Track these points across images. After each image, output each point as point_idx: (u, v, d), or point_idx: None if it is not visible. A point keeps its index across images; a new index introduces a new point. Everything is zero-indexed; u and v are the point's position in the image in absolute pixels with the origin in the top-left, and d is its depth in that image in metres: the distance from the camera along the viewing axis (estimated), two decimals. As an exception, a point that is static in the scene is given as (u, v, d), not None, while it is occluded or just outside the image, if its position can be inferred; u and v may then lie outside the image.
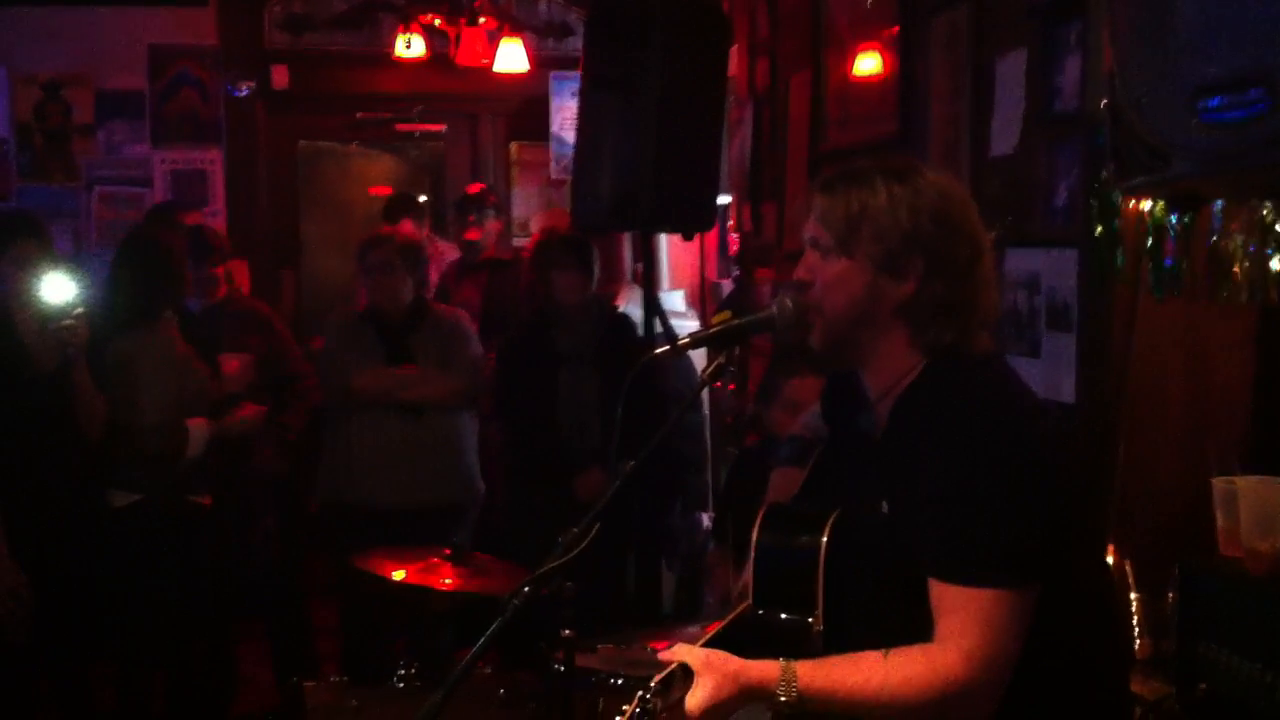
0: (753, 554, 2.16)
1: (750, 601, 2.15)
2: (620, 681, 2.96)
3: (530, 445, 4.94)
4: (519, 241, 7.16)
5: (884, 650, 1.91)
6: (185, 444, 4.54)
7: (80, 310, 4.18)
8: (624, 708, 1.85)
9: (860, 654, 1.92)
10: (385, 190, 8.04)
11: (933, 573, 1.92)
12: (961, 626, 1.88)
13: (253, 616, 5.37)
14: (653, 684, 1.86)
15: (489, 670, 3.54)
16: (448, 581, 3.52)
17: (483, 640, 1.93)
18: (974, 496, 1.89)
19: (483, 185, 6.83)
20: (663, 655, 1.94)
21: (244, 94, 7.28)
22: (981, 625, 1.87)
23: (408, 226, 6.49)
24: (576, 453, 4.78)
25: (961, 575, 1.89)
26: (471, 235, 6.49)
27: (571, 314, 4.91)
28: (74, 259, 5.86)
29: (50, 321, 4.15)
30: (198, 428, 4.59)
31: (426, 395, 4.88)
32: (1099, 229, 2.90)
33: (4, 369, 4.18)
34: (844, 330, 2.07)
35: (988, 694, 1.89)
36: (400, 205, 6.87)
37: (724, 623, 2.17)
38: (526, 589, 1.97)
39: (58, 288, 4.15)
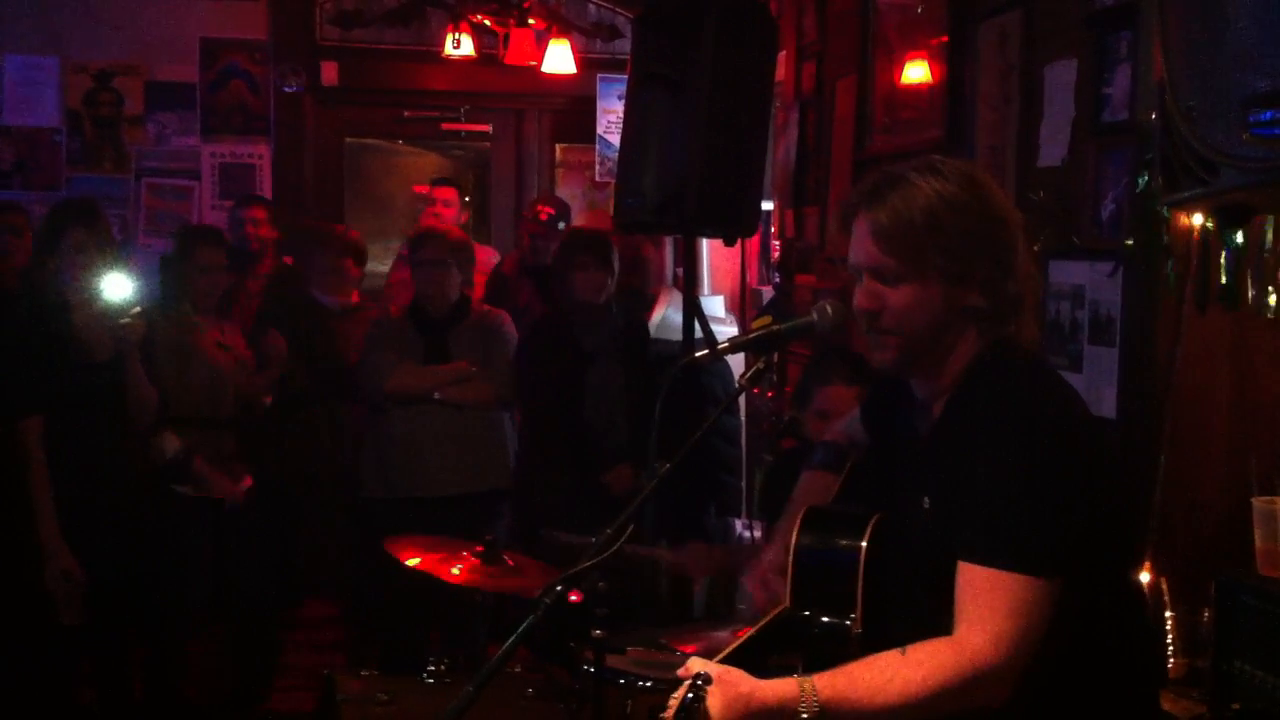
0: (791, 556, 2.15)
1: (788, 603, 2.14)
2: (649, 684, 2.96)
3: (558, 441, 4.95)
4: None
5: (902, 648, 1.89)
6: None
7: (138, 308, 4.24)
8: (675, 695, 1.84)
9: (877, 655, 1.91)
10: (428, 189, 8.07)
11: (966, 555, 1.90)
12: (992, 610, 1.87)
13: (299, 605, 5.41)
14: (700, 670, 1.85)
15: (519, 668, 3.54)
16: (481, 576, 3.52)
17: (514, 637, 1.94)
18: (1021, 483, 1.89)
19: (552, 211, 6.78)
20: (680, 671, 1.89)
21: (295, 90, 7.32)
22: (1012, 610, 1.86)
23: (447, 192, 6.66)
24: (604, 449, 4.79)
25: (996, 558, 1.88)
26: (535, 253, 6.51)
27: (592, 312, 4.92)
28: (123, 248, 5.94)
29: (108, 318, 4.20)
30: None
31: (462, 398, 4.90)
32: (1143, 241, 2.87)
33: (60, 356, 4.23)
34: (924, 348, 2.05)
35: (1010, 677, 1.88)
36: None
37: (760, 625, 2.16)
38: (559, 588, 1.97)
39: (117, 286, 4.21)
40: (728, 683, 1.85)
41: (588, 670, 2.75)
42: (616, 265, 4.97)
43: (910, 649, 1.89)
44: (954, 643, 1.88)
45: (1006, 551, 1.87)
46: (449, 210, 6.70)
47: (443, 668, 3.48)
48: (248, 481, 4.86)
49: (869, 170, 2.35)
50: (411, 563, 3.52)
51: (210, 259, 4.85)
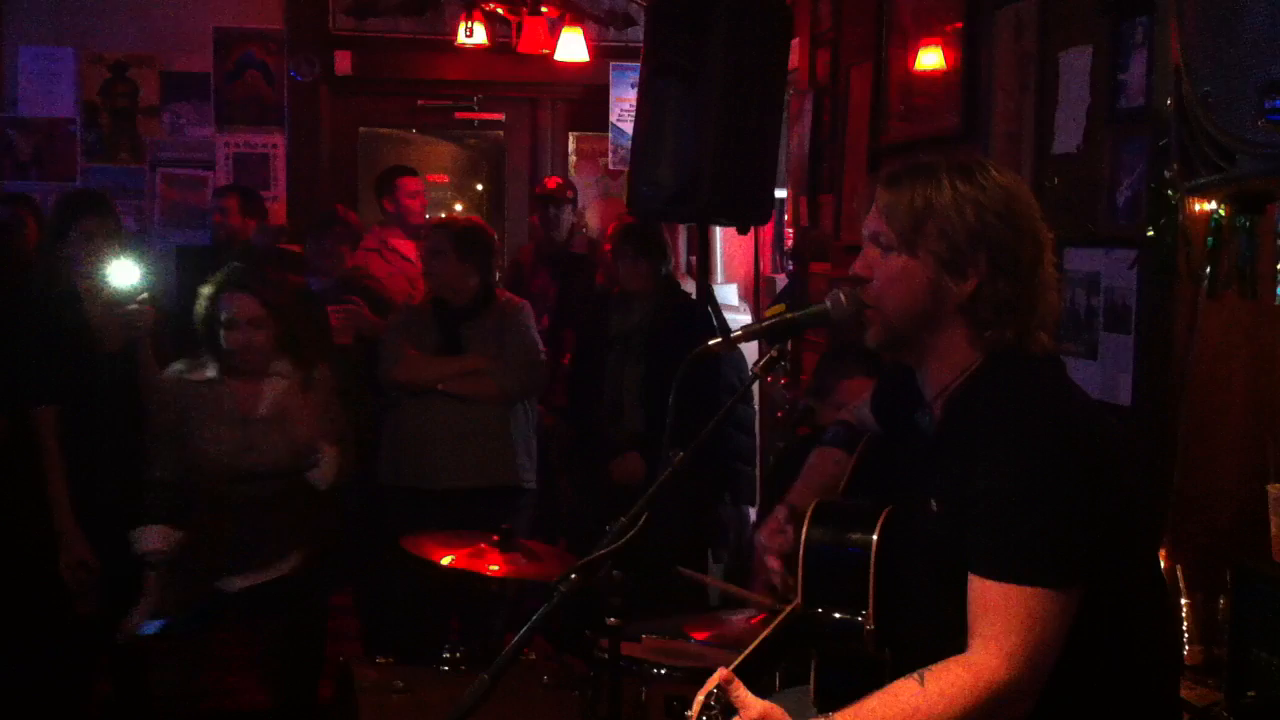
0: (802, 551, 2.14)
1: (800, 600, 2.14)
2: (664, 671, 2.96)
3: (572, 426, 4.98)
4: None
5: (918, 674, 1.88)
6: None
7: (146, 294, 4.25)
8: (689, 713, 1.85)
9: (895, 685, 1.89)
10: (443, 178, 8.07)
11: (977, 569, 1.90)
12: (1004, 626, 1.86)
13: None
14: (715, 688, 1.86)
15: (534, 656, 3.55)
16: (495, 567, 3.53)
17: (529, 625, 1.94)
18: (1024, 494, 1.88)
19: (559, 180, 6.76)
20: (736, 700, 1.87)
21: (309, 80, 7.33)
22: (1024, 625, 1.85)
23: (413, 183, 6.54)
24: (610, 436, 4.80)
25: (1007, 572, 1.87)
26: (548, 227, 6.48)
27: (630, 300, 4.93)
28: (138, 239, 5.97)
29: (117, 305, 4.21)
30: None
31: (464, 391, 4.81)
32: (1159, 228, 2.86)
33: (72, 346, 4.24)
34: (903, 327, 2.05)
35: (1029, 693, 1.87)
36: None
37: (773, 626, 2.15)
38: (574, 576, 1.97)
39: (124, 272, 4.21)
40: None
41: (603, 658, 2.76)
42: (659, 251, 5.01)
43: (928, 677, 1.87)
44: (969, 666, 1.87)
45: (1017, 565, 1.86)
46: (415, 200, 6.53)
47: (459, 656, 3.49)
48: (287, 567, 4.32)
49: (888, 156, 2.36)
50: (445, 560, 3.53)
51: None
